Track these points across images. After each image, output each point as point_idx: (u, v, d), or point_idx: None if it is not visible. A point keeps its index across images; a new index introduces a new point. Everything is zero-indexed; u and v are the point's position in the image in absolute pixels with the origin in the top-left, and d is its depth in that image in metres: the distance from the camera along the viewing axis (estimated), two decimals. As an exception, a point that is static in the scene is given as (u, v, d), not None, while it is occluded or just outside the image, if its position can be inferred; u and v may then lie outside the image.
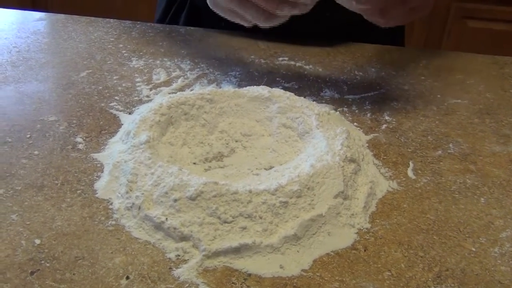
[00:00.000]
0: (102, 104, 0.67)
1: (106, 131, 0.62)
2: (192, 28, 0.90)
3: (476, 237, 0.51)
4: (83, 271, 0.44)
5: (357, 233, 0.50)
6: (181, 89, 0.71)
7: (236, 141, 0.61)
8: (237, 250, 0.46)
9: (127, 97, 0.69)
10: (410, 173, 0.59)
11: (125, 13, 2.05)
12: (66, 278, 0.44)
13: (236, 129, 0.62)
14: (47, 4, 2.21)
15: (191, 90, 0.68)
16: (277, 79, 0.76)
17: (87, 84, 0.71)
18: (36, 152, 0.58)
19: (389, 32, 0.89)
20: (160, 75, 0.74)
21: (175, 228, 0.47)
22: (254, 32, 0.87)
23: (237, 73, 0.77)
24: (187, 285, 0.44)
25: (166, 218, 0.48)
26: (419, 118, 0.69)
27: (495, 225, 0.52)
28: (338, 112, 0.67)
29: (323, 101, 0.71)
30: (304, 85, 0.75)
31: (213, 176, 0.56)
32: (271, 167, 0.58)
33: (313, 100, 0.70)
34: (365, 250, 0.48)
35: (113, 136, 0.61)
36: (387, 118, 0.69)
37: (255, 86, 0.66)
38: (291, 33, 0.84)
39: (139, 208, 0.49)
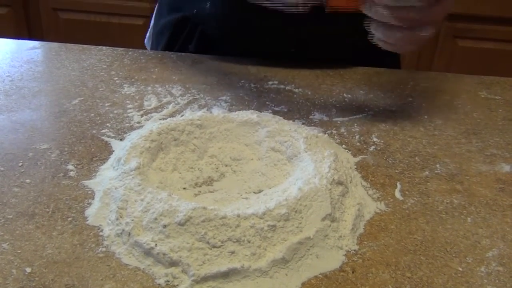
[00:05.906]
0: (94, 131, 0.68)
1: (97, 158, 0.63)
2: (183, 54, 0.91)
3: (463, 256, 0.51)
4: (73, 298, 0.45)
5: (345, 255, 0.51)
6: (172, 114, 0.72)
7: (226, 166, 0.62)
8: (226, 275, 0.47)
9: (119, 123, 0.70)
10: (397, 194, 0.59)
11: (123, 40, 2.08)
12: (56, 306, 0.44)
13: (226, 154, 0.63)
14: (43, 33, 2.24)
15: (181, 116, 0.69)
16: (267, 103, 0.77)
17: (79, 112, 0.72)
18: (27, 181, 0.58)
19: (384, 56, 0.91)
20: (151, 101, 0.75)
21: (164, 254, 0.48)
22: (246, 56, 0.89)
23: (228, 97, 0.78)
24: (176, 310, 0.44)
25: (156, 244, 0.48)
26: (406, 139, 0.70)
27: (481, 244, 0.53)
28: (326, 135, 0.68)
29: (312, 124, 0.72)
30: (293, 108, 0.76)
31: (203, 201, 0.57)
32: (260, 191, 0.59)
33: (302, 123, 0.71)
34: (353, 272, 0.49)
35: (105, 163, 0.62)
36: (375, 139, 0.69)
37: (244, 111, 0.67)
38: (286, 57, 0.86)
39: (129, 234, 0.50)
